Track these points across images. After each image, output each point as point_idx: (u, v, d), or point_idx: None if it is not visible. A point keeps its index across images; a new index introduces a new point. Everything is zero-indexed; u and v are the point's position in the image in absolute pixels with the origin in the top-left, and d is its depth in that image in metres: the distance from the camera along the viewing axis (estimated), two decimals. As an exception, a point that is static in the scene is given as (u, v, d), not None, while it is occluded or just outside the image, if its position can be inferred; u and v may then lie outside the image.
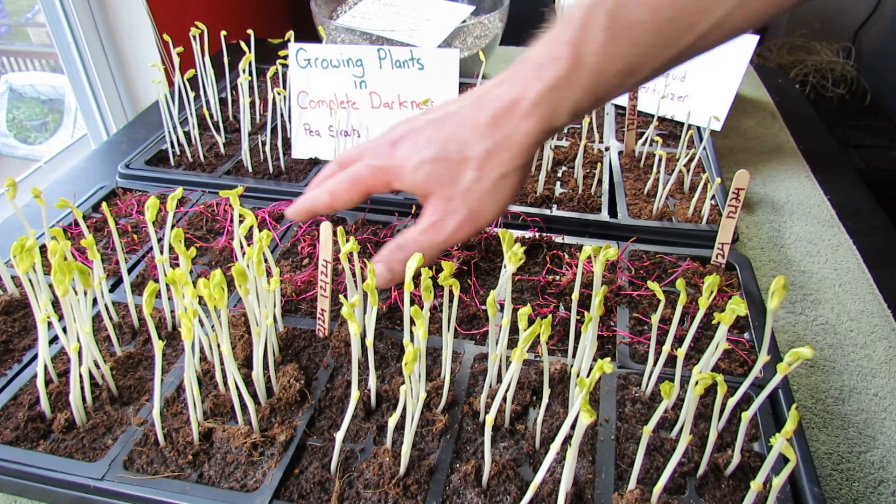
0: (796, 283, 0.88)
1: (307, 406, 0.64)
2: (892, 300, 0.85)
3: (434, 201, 0.55)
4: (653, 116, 1.11)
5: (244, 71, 1.02)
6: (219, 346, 0.59)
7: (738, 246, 0.95)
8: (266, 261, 0.72)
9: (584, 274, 0.80)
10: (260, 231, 0.63)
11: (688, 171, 1.00)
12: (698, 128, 1.13)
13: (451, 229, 0.55)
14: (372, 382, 0.63)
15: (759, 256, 0.93)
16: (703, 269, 0.83)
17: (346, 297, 0.73)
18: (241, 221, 0.69)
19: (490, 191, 0.53)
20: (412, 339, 0.63)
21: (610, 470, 0.58)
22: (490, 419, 0.53)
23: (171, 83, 1.09)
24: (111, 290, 0.78)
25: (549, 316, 0.57)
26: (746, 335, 0.73)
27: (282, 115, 1.08)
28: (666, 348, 0.62)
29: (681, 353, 0.58)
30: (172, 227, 0.67)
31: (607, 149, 1.09)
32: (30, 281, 0.62)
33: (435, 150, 0.53)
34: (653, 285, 0.59)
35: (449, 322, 0.62)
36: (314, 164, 1.03)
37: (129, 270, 0.81)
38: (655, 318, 0.63)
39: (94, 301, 0.68)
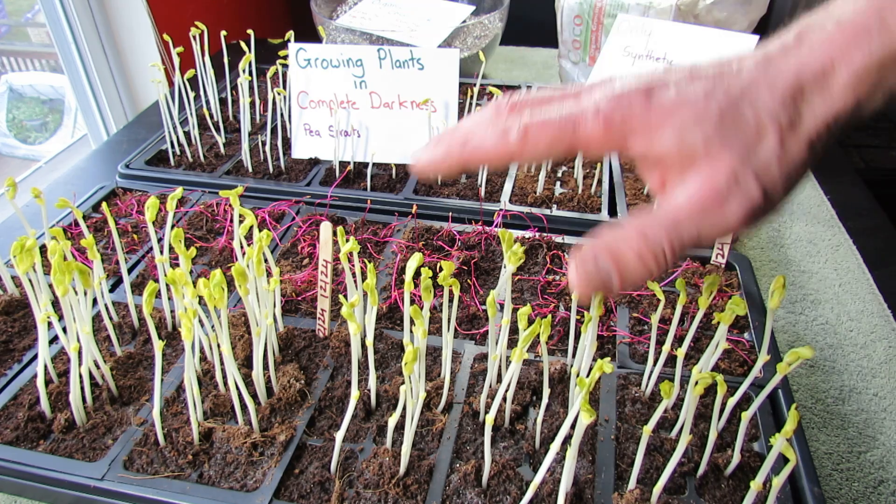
0: (796, 283, 0.88)
1: (307, 406, 0.64)
2: (892, 300, 0.85)
3: (706, 170, 0.39)
4: (653, 116, 1.11)
5: (244, 71, 1.02)
6: (219, 346, 0.59)
7: (738, 246, 0.95)
8: (266, 261, 0.72)
9: (584, 274, 0.80)
10: (260, 231, 0.63)
11: (688, 171, 1.00)
12: (698, 128, 1.13)
13: (738, 214, 0.38)
14: (372, 382, 0.63)
15: (759, 256, 0.93)
16: (702, 269, 0.83)
17: (346, 297, 0.73)
18: (241, 221, 0.69)
19: (791, 174, 0.39)
20: (412, 339, 0.63)
21: (610, 470, 0.58)
22: (490, 419, 0.53)
23: (171, 83, 1.09)
24: (111, 290, 0.78)
25: (549, 316, 0.57)
26: (746, 335, 0.73)
27: (282, 115, 1.08)
28: (666, 348, 0.62)
29: (681, 352, 0.58)
30: (172, 227, 0.67)
31: (607, 149, 1.09)
32: (30, 281, 0.62)
33: (720, 104, 0.39)
34: (652, 285, 0.59)
35: (449, 322, 0.62)
36: (314, 163, 1.03)
37: (129, 270, 0.81)
38: (655, 318, 0.63)
39: (94, 301, 0.68)
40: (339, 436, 0.57)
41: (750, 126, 0.39)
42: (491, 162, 0.42)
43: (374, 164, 1.02)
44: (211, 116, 1.16)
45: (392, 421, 0.56)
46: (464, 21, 1.35)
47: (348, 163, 1.02)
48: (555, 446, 0.49)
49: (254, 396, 0.63)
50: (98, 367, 0.63)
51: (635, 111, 0.39)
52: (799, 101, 0.39)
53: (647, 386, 0.66)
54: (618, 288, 0.38)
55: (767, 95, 0.39)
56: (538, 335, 0.53)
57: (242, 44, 1.06)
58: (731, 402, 0.58)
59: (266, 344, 0.63)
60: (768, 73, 0.40)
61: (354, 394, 0.55)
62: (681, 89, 0.40)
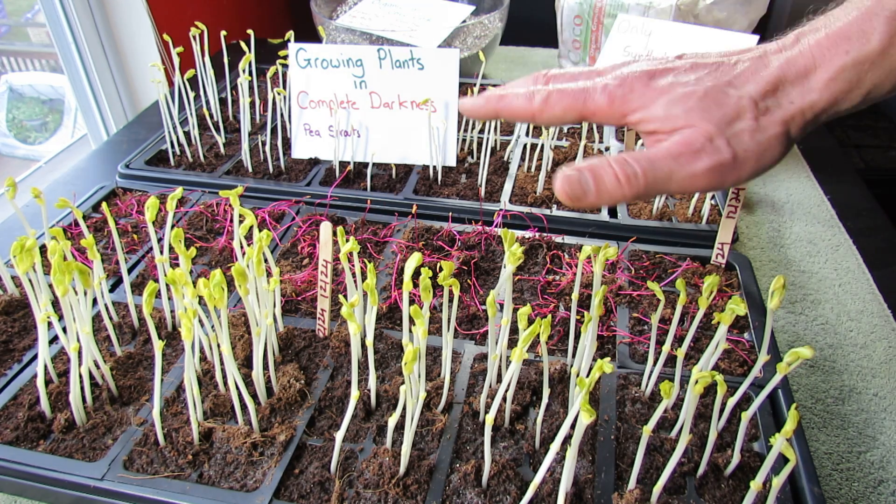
0: (796, 283, 0.88)
1: (307, 406, 0.64)
2: (892, 300, 0.85)
3: (686, 132, 0.47)
4: (653, 116, 1.11)
5: (244, 71, 1.02)
6: (219, 346, 0.59)
7: (738, 246, 0.94)
8: (266, 261, 0.72)
9: (583, 274, 0.80)
10: (260, 231, 0.63)
11: (688, 171, 1.00)
12: (698, 128, 1.13)
13: (704, 167, 0.46)
14: (372, 382, 0.63)
15: (759, 256, 0.93)
16: (702, 269, 0.83)
17: (346, 297, 0.73)
18: (241, 221, 0.69)
19: (763, 146, 0.47)
20: (411, 339, 0.63)
21: (610, 470, 0.58)
22: (490, 419, 0.53)
23: (171, 83, 1.09)
24: (111, 290, 0.78)
25: (549, 316, 0.57)
26: (746, 335, 0.73)
27: (282, 115, 1.08)
28: (666, 348, 0.62)
29: (681, 352, 0.58)
30: (172, 227, 0.67)
31: (607, 149, 1.09)
32: (30, 281, 0.62)
33: (706, 87, 0.47)
34: (653, 285, 0.59)
35: (449, 322, 0.62)
36: (314, 163, 1.03)
37: (129, 270, 0.81)
38: (655, 318, 0.63)
39: (94, 301, 0.68)
40: (339, 436, 0.57)
41: (730, 105, 0.47)
42: (517, 117, 0.52)
43: (374, 164, 1.02)
44: (211, 116, 1.16)
45: (392, 421, 0.56)
46: (464, 21, 1.35)
47: (348, 163, 1.02)
48: (555, 446, 0.49)
49: (254, 396, 0.64)
50: (98, 367, 0.63)
51: (636, 90, 0.49)
52: (779, 91, 0.47)
53: (647, 386, 0.66)
54: (594, 198, 0.46)
55: (752, 84, 0.47)
56: (538, 335, 0.53)
57: (242, 44, 1.06)
58: (731, 402, 0.58)
59: (266, 344, 0.63)
60: (758, 67, 0.48)
61: (354, 394, 0.55)
62: (678, 75, 0.49)
